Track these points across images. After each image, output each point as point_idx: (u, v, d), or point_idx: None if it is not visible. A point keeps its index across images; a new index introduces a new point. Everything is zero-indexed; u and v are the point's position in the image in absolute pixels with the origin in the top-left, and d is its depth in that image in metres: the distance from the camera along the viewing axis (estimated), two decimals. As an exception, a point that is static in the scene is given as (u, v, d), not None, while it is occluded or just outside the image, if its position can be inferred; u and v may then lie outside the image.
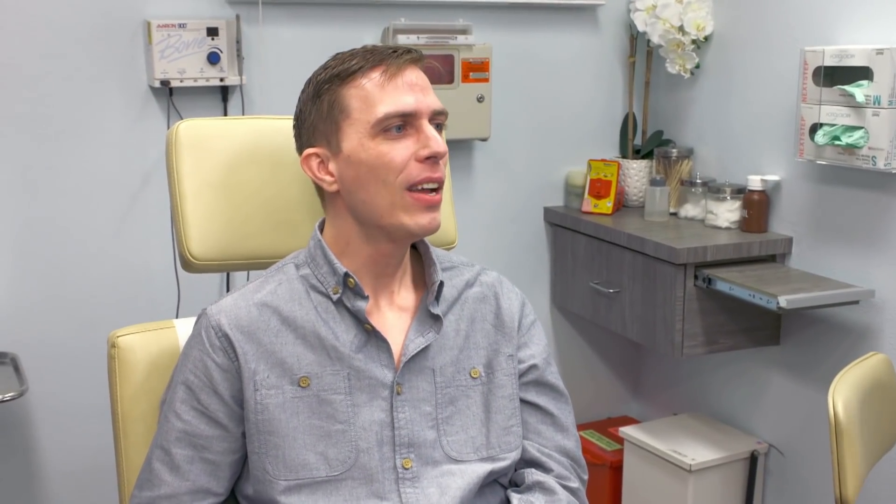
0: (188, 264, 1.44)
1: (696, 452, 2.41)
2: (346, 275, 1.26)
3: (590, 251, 2.56)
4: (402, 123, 1.23)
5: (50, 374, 2.25)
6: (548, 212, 2.71)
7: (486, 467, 1.30)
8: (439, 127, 1.28)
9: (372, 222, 1.26)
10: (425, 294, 1.33)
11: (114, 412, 1.39)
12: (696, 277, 2.26)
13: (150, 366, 1.40)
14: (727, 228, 2.41)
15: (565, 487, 1.36)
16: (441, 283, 1.31)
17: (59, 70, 2.18)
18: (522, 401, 1.38)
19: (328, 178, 1.28)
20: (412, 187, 1.23)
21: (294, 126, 1.34)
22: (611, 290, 2.47)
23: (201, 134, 1.45)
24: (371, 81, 1.24)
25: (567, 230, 2.65)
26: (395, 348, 1.29)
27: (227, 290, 2.40)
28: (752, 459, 2.45)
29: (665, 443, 2.47)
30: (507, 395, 1.35)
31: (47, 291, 2.24)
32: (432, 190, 1.25)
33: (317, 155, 1.29)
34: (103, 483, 2.35)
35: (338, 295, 1.27)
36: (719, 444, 2.47)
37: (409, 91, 1.24)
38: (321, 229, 1.35)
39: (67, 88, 2.19)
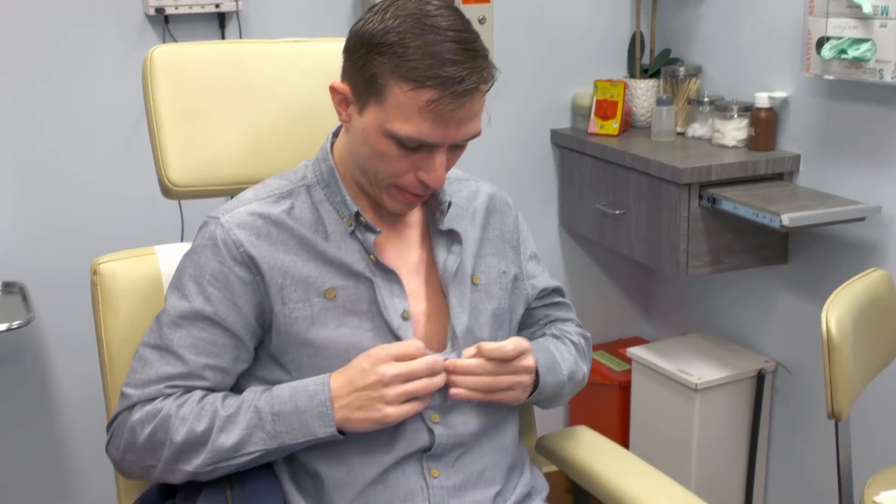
0: (167, 190, 1.43)
1: (702, 372, 2.40)
2: (357, 214, 1.29)
3: (596, 173, 2.53)
4: (419, 145, 1.21)
5: (57, 303, 2.28)
6: (555, 134, 2.68)
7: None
8: (459, 147, 1.25)
9: (363, 180, 1.29)
10: (430, 211, 1.37)
11: (98, 339, 1.40)
12: (700, 197, 2.22)
13: (131, 292, 1.40)
14: (734, 147, 2.36)
15: (584, 336, 1.51)
16: (449, 204, 1.36)
17: (53, 3, 2.16)
18: (540, 308, 1.49)
19: (343, 115, 1.27)
20: (400, 186, 1.26)
21: (346, 43, 1.26)
22: (616, 212, 2.44)
23: (177, 59, 1.43)
24: (416, 98, 1.16)
25: (574, 152, 2.61)
26: (411, 270, 1.33)
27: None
28: (760, 378, 2.43)
29: (672, 362, 2.46)
30: (494, 308, 1.39)
31: (52, 222, 2.25)
32: (418, 194, 1.27)
33: (342, 93, 1.26)
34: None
35: (352, 227, 1.29)
36: (726, 363, 2.45)
37: (443, 126, 1.18)
38: (333, 139, 1.36)
39: (63, 21, 2.17)
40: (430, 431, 1.29)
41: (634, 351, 2.56)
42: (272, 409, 1.22)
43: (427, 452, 1.30)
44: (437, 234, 1.36)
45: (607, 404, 2.68)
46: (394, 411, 1.21)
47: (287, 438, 1.22)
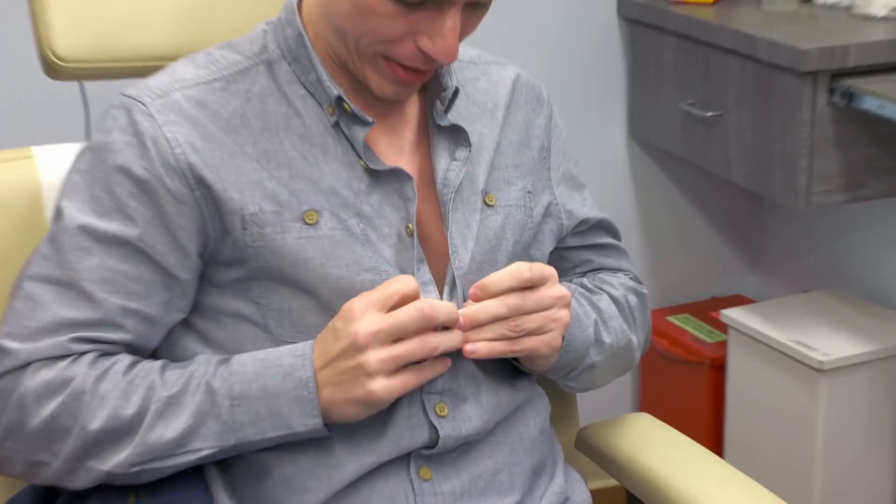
0: (52, 69, 1.43)
1: (831, 345, 2.40)
2: (340, 99, 1.28)
3: (681, 58, 2.52)
4: (423, 0, 1.20)
5: None
6: (624, 3, 2.68)
7: None
8: (480, 5, 1.25)
9: (340, 49, 1.29)
10: (429, 100, 1.38)
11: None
12: (831, 92, 2.20)
13: (-2, 210, 1.41)
14: (884, 19, 2.33)
15: (636, 292, 1.53)
16: (456, 91, 1.35)
17: None
18: (577, 248, 1.52)
19: None
20: (392, 58, 1.25)
21: None
22: (709, 114, 2.43)
23: None
24: None
25: (650, 29, 2.61)
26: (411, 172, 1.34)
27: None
28: (917, 355, 2.44)
29: (788, 331, 2.45)
30: (517, 240, 1.39)
31: None
32: (417, 70, 1.26)
33: None
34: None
35: (334, 118, 1.30)
36: (867, 333, 2.45)
37: None
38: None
39: None
40: (433, 428, 1.29)
41: (733, 314, 2.55)
42: (231, 391, 1.22)
43: (423, 450, 1.30)
44: (436, 131, 1.36)
45: (693, 389, 2.68)
46: (380, 387, 1.20)
47: (251, 432, 1.22)
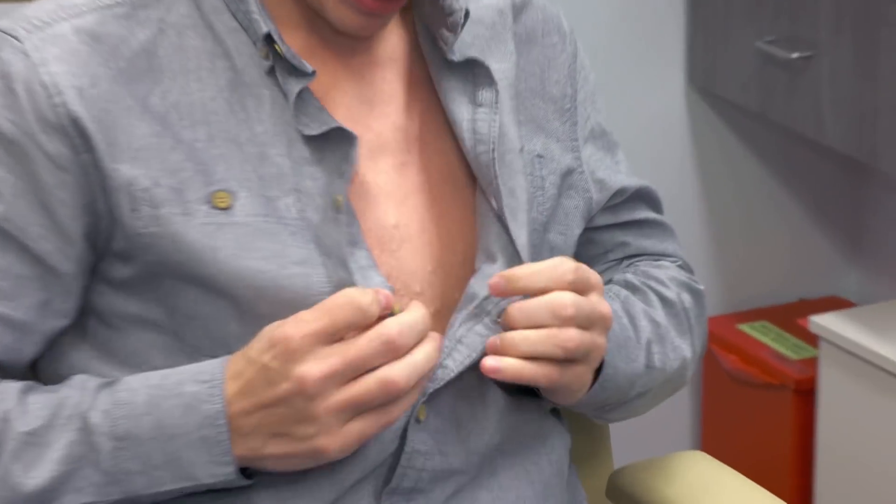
0: None
1: None
2: (269, 38, 1.28)
3: None
4: None
5: None
6: None
7: None
8: None
9: None
10: (423, 31, 1.38)
11: None
12: None
13: None
14: None
15: (690, 289, 1.51)
16: (466, 13, 1.34)
17: None
18: (609, 228, 1.52)
19: None
20: None
21: None
22: (795, 56, 2.44)
23: None
24: None
25: None
26: (386, 144, 1.35)
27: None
28: None
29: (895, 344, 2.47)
30: (527, 220, 1.38)
31: None
32: None
33: None
34: None
35: (269, 62, 1.29)
36: None
37: None
38: None
39: None
40: (402, 437, 1.28)
41: (826, 322, 2.56)
42: (114, 429, 1.20)
43: (389, 484, 1.29)
44: (445, 70, 1.36)
45: (772, 421, 2.70)
46: (332, 443, 1.19)
47: (141, 484, 1.21)
